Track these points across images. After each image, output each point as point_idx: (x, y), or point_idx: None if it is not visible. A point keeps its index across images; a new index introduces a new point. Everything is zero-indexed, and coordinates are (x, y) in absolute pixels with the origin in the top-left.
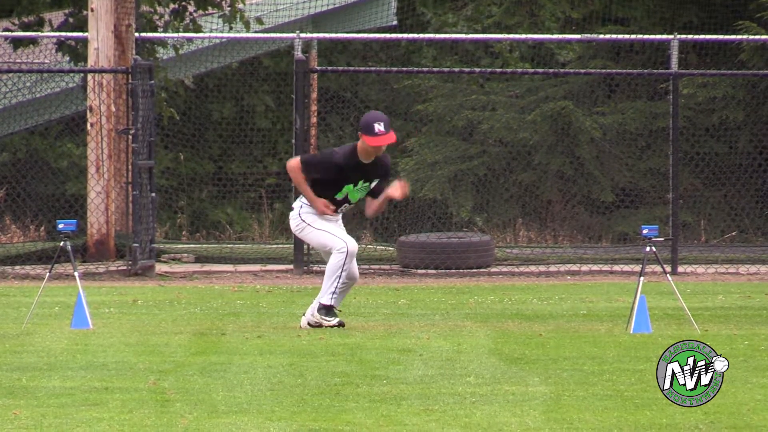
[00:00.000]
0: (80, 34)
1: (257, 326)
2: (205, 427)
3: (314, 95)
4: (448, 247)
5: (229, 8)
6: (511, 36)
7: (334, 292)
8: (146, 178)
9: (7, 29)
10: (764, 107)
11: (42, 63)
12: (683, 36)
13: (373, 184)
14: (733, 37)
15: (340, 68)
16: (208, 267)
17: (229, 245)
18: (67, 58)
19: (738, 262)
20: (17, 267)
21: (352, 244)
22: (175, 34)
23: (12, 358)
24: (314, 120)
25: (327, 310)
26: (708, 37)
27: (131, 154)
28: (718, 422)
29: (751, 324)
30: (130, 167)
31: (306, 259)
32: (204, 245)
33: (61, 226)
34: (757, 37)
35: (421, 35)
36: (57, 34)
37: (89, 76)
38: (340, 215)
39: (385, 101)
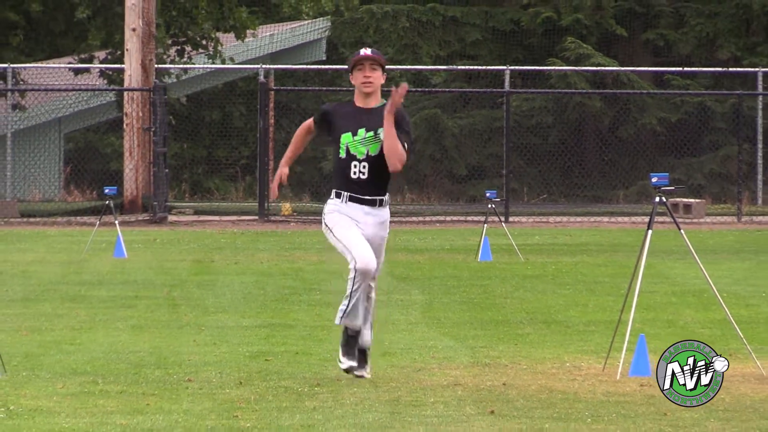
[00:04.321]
0: (118, 65)
1: (234, 256)
2: (201, 321)
3: (271, 105)
4: None
5: (212, 49)
6: (400, 66)
7: (344, 312)
8: (162, 160)
9: (70, 62)
10: (565, 114)
11: (93, 84)
12: (513, 67)
13: (382, 135)
14: (545, 68)
15: (289, 88)
16: (202, 218)
17: (216, 203)
18: (107, 82)
19: (548, 214)
20: (78, 217)
21: (363, 261)
22: (183, 65)
23: (75, 276)
24: (272, 122)
25: (343, 345)
26: (529, 68)
27: (152, 143)
28: (535, 319)
29: (557, 254)
30: (151, 152)
31: (266, 213)
32: (199, 204)
33: (106, 191)
34: (561, 68)
35: (341, 66)
36: (102, 65)
37: (125, 93)
38: (368, 212)
39: (317, 109)
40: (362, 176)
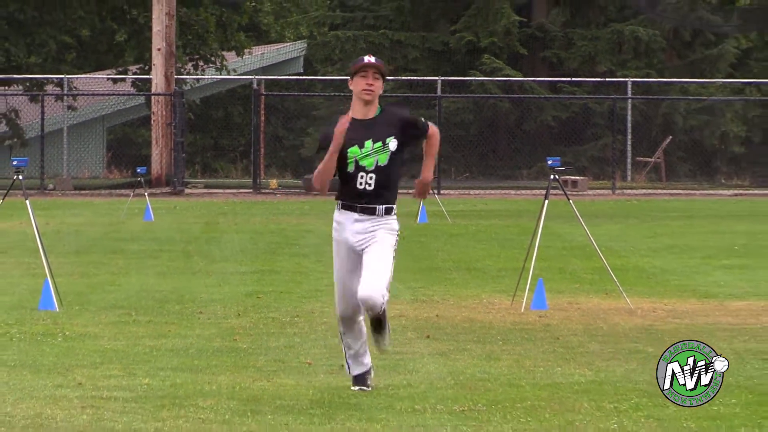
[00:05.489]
0: (147, 76)
1: (234, 219)
2: (209, 268)
3: (262, 106)
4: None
5: (219, 64)
6: (329, 78)
7: (347, 362)
8: (180, 147)
9: (110, 74)
10: (482, 113)
11: (128, 90)
12: (443, 78)
13: (391, 144)
14: (468, 78)
15: (275, 93)
16: (210, 190)
17: (220, 180)
18: (137, 89)
19: (469, 188)
20: (117, 190)
21: (344, 310)
22: (196, 76)
23: (114, 234)
24: (262, 119)
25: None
26: (455, 78)
27: (173, 135)
28: (460, 266)
29: (476, 218)
30: (172, 141)
31: (258, 187)
32: (208, 180)
33: (138, 170)
34: (480, 78)
35: (315, 77)
36: (135, 76)
37: (152, 97)
38: (367, 223)
39: (297, 109)
40: (368, 187)
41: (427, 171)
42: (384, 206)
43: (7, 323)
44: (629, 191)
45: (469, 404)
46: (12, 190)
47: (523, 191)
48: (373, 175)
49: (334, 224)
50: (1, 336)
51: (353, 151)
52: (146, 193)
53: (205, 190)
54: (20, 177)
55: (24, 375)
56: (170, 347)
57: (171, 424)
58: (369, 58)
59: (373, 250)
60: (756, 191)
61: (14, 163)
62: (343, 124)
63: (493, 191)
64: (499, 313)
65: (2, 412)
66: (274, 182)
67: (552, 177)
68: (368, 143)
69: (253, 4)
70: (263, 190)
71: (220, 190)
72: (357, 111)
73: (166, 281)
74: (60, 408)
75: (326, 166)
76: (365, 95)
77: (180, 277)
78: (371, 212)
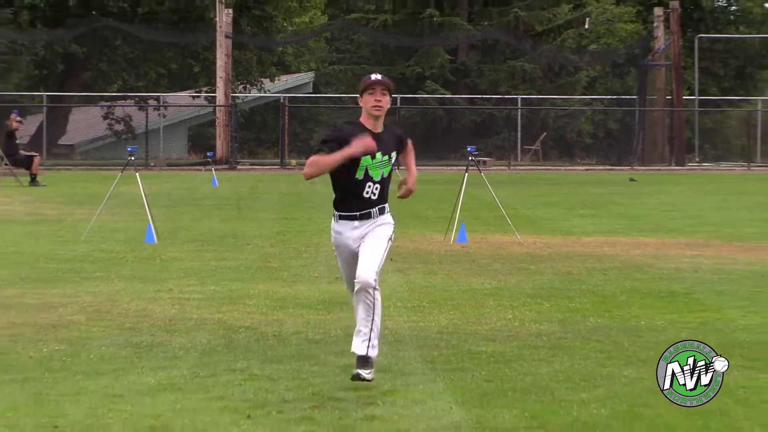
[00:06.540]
0: (213, 94)
1: (269, 187)
2: (253, 216)
3: (286, 114)
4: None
5: (259, 86)
6: (347, 95)
7: (366, 341)
8: (234, 139)
9: (190, 93)
10: (426, 118)
11: (201, 103)
12: (401, 95)
13: (393, 157)
14: (417, 95)
15: (295, 105)
16: (253, 167)
17: (259, 160)
18: (207, 102)
19: (416, 165)
20: (194, 167)
21: (360, 280)
22: (245, 94)
23: (192, 194)
24: (287, 122)
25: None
26: (409, 95)
27: (230, 131)
28: (411, 215)
29: (420, 185)
30: (229, 135)
31: (284, 164)
32: (252, 160)
33: (209, 154)
34: (424, 95)
35: (320, 95)
36: (205, 94)
37: (217, 108)
38: (364, 225)
39: (308, 116)
40: (373, 196)
41: (412, 180)
42: (378, 207)
43: (124, 251)
44: (519, 167)
45: (417, 302)
46: (128, 167)
47: (452, 167)
48: (379, 186)
49: (333, 233)
50: (120, 259)
51: (366, 160)
52: (213, 169)
53: (250, 167)
54: (133, 158)
55: (135, 283)
56: (228, 266)
57: (229, 315)
58: (376, 76)
59: (368, 240)
60: (599, 167)
61: (129, 149)
62: (370, 145)
63: (432, 167)
64: (436, 245)
65: (121, 308)
66: (293, 162)
67: (470, 158)
68: (378, 155)
69: (281, 48)
70: (287, 167)
71: (260, 167)
72: (367, 125)
73: (225, 224)
74: (158, 305)
75: (328, 165)
76: (375, 111)
77: (234, 221)
78: (368, 216)
